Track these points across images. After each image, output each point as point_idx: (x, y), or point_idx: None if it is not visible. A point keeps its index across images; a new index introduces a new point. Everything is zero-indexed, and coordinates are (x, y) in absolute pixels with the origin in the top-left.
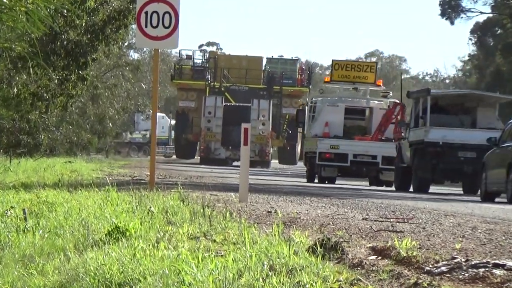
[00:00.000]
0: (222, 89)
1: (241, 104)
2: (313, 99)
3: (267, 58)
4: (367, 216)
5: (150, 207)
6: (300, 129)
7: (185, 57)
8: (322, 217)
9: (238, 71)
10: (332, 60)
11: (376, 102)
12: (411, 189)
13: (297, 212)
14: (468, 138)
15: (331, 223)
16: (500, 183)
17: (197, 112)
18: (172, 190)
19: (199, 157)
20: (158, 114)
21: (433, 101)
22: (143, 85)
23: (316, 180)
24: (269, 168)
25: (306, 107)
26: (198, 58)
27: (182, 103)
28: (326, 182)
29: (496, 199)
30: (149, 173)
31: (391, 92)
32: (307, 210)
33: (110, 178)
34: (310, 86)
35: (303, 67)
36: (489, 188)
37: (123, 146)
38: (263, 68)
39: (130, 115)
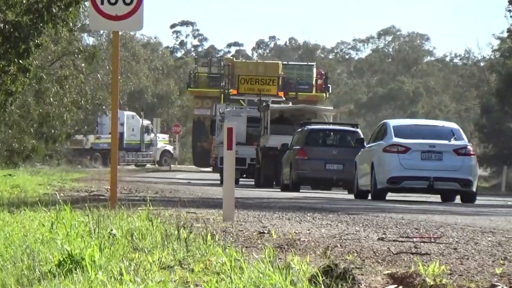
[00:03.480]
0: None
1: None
2: (221, 110)
3: (282, 63)
4: (384, 236)
5: (112, 230)
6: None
7: (201, 64)
8: (327, 238)
9: (255, 77)
10: (238, 75)
11: None
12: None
13: (296, 232)
14: None
15: (339, 245)
16: (287, 178)
17: None
18: (139, 208)
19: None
20: (128, 112)
21: (277, 113)
22: (99, 77)
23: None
24: None
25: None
26: (215, 65)
27: (197, 111)
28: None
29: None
30: (109, 187)
31: (290, 103)
32: (308, 230)
33: (62, 195)
34: (328, 92)
35: (322, 72)
36: (284, 180)
37: (84, 154)
38: (279, 74)
39: (90, 114)
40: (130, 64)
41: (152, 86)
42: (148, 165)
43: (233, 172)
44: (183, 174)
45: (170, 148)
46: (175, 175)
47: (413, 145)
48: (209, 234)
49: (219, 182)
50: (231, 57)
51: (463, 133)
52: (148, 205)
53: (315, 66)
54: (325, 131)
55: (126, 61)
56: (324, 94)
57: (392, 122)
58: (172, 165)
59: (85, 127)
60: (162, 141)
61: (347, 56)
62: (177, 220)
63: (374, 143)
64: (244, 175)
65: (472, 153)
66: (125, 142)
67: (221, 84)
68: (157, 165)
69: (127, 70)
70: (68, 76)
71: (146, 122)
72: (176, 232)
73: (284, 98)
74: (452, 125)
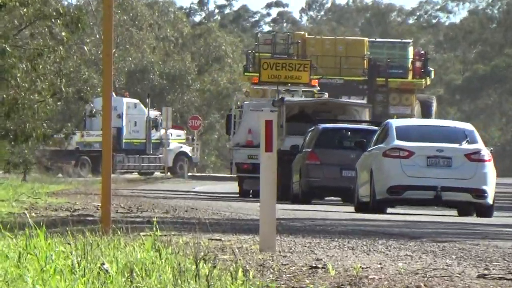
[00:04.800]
0: None
1: None
2: (239, 102)
3: (369, 40)
4: (486, 272)
5: (103, 264)
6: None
7: (263, 42)
8: (406, 275)
9: (333, 58)
10: (260, 59)
11: None
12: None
13: (363, 266)
14: None
15: (422, 284)
16: (297, 187)
17: None
18: (141, 233)
19: None
20: (128, 100)
21: (296, 109)
22: (86, 50)
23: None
24: None
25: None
26: (281, 43)
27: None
28: (251, 196)
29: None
30: (100, 204)
31: (326, 94)
32: (380, 263)
33: (34, 215)
34: (429, 77)
35: (420, 52)
36: (293, 190)
37: (66, 157)
38: (365, 55)
39: (72, 103)
40: (130, 32)
41: (161, 62)
42: (157, 173)
43: (273, 183)
44: (204, 185)
45: (187, 149)
46: (193, 187)
47: (418, 148)
48: (240, 270)
49: (251, 196)
50: (303, 32)
51: (478, 135)
52: (154, 229)
53: (411, 44)
54: (341, 131)
55: (124, 28)
56: (423, 81)
57: (395, 123)
58: (189, 173)
59: (69, 124)
60: (177, 140)
61: (434, 21)
62: (196, 250)
63: (375, 147)
64: None
65: (487, 158)
66: (124, 141)
67: None
68: (169, 173)
69: (125, 40)
70: (42, 49)
71: (155, 113)
72: (194, 266)
73: (318, 88)
74: (466, 125)
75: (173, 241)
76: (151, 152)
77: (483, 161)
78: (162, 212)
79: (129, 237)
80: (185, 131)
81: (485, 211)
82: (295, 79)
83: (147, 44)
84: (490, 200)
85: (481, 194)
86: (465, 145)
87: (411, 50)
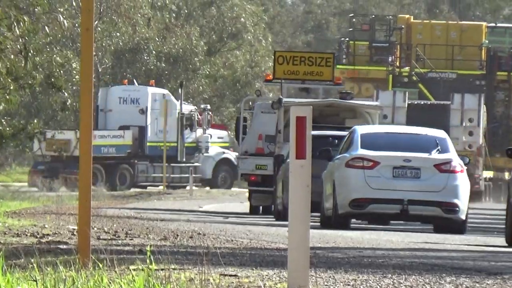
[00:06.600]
0: (414, 78)
1: (435, 102)
2: (250, 103)
3: (488, 26)
4: None
5: None
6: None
7: (361, 28)
8: None
9: (444, 48)
10: (275, 51)
11: None
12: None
13: None
14: None
15: None
16: (281, 202)
17: None
18: (131, 266)
19: None
20: (155, 90)
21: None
22: (62, 19)
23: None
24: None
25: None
26: (381, 29)
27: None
28: (261, 212)
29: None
30: (76, 228)
31: (353, 93)
32: None
33: None
34: None
35: None
36: (277, 205)
37: (70, 165)
38: (482, 43)
39: (43, 93)
40: None
41: (158, 39)
42: (191, 188)
43: (306, 201)
44: (215, 203)
45: (231, 155)
46: (200, 205)
47: (383, 158)
48: None
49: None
50: (407, 16)
51: (451, 144)
52: (148, 261)
53: None
54: (328, 138)
55: None
56: None
57: (361, 129)
58: (233, 188)
59: (35, 120)
60: (218, 143)
61: None
62: None
63: (339, 156)
64: None
65: (459, 169)
66: (148, 144)
67: (390, 59)
68: (209, 188)
69: (111, 9)
70: (1, 19)
71: (189, 108)
72: None
73: (343, 86)
74: (439, 133)
75: (173, 278)
76: (184, 159)
77: (454, 172)
78: (159, 238)
79: (115, 272)
80: (228, 132)
81: (457, 227)
82: (316, 75)
83: (141, 15)
84: (462, 215)
85: (452, 208)
86: (435, 155)
87: None
